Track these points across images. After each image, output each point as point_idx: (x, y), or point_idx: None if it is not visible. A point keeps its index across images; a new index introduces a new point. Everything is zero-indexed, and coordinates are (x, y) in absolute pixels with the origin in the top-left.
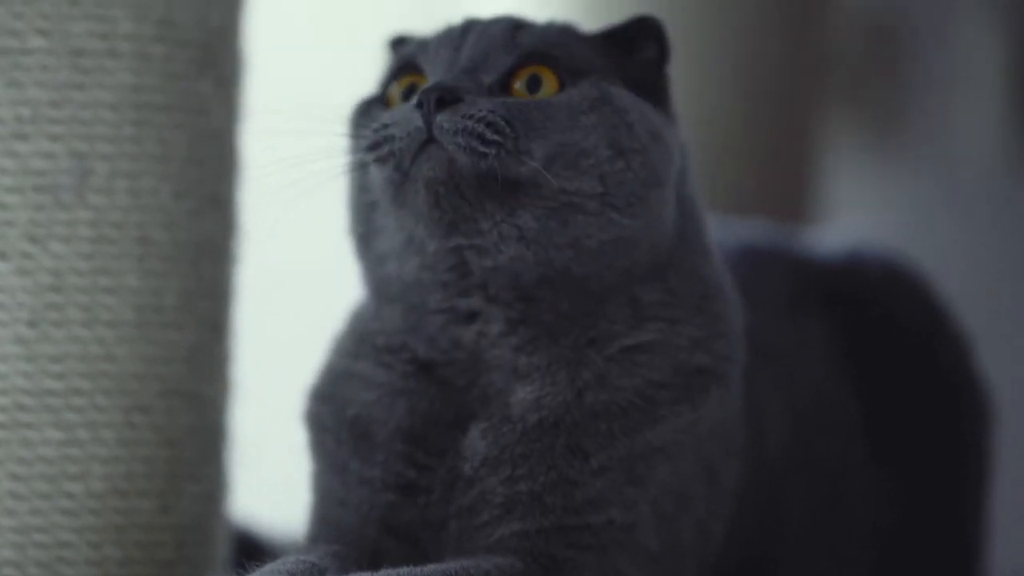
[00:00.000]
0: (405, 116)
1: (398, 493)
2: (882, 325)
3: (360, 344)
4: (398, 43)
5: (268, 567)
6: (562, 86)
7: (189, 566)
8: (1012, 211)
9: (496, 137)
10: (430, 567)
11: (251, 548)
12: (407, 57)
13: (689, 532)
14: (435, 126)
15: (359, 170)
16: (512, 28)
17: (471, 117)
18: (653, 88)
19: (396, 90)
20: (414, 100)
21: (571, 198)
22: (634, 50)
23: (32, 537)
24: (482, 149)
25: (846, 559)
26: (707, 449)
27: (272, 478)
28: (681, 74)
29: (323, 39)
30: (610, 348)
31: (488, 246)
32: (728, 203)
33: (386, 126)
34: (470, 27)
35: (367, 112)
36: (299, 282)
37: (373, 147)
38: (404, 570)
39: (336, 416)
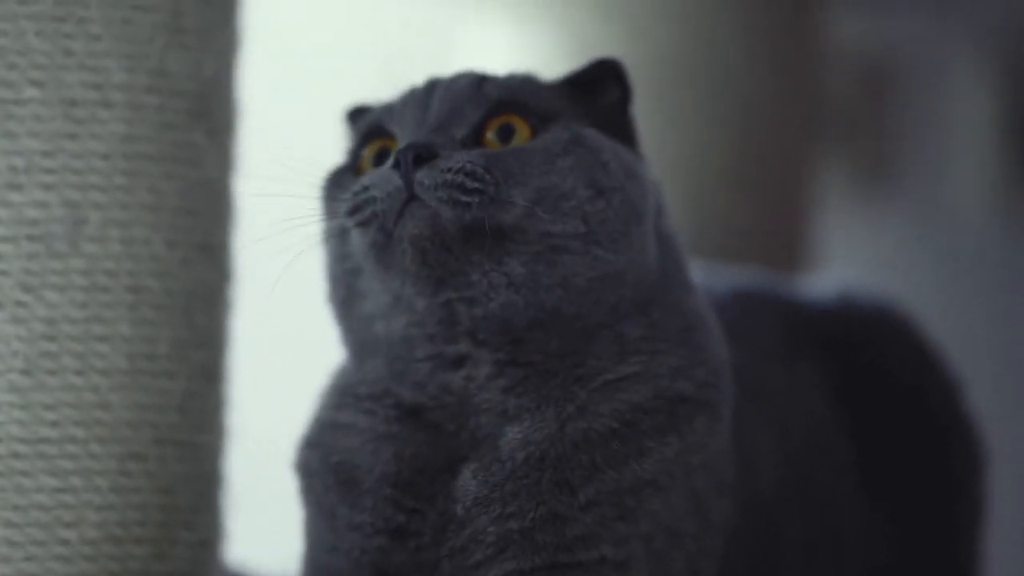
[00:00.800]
0: (383, 177)
1: (388, 538)
2: (874, 368)
3: (343, 396)
4: (356, 114)
5: None
6: (534, 132)
7: None
8: (1003, 259)
9: (477, 185)
10: None
11: None
12: (374, 122)
13: (681, 570)
14: (415, 183)
15: (338, 238)
16: (477, 81)
17: (450, 170)
18: (619, 129)
19: (367, 156)
20: (390, 161)
21: (556, 240)
22: (597, 93)
23: None
24: (464, 199)
25: None
26: (697, 484)
27: (267, 524)
28: (671, 120)
29: (317, 87)
30: (594, 383)
31: (478, 296)
32: (719, 249)
33: (366, 188)
34: (434, 85)
35: (339, 182)
36: (294, 329)
37: (353, 211)
38: None
39: (323, 462)
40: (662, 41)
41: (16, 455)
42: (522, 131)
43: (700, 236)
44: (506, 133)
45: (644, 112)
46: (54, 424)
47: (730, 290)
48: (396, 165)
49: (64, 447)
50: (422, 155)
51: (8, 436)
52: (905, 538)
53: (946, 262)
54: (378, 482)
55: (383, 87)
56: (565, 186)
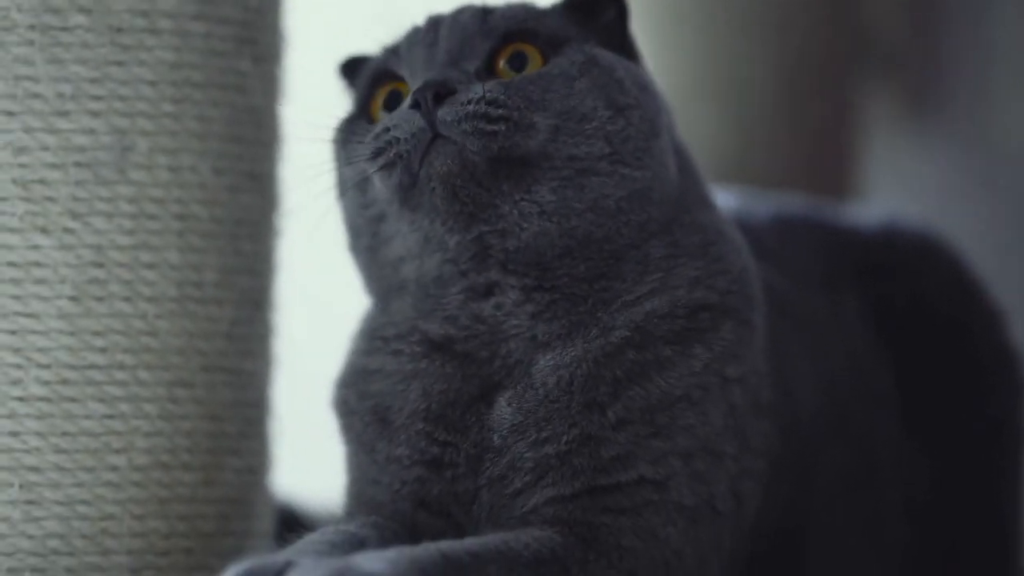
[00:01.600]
0: (404, 119)
1: (424, 468)
2: (916, 298)
3: (371, 340)
4: (350, 65)
5: (309, 538)
6: (545, 58)
7: (232, 538)
8: None
9: (501, 112)
10: (469, 540)
11: (292, 521)
12: (380, 67)
13: (723, 492)
14: (438, 121)
15: (357, 187)
16: (481, 14)
17: (471, 102)
18: (621, 45)
19: (378, 100)
20: (408, 102)
21: (582, 163)
22: (595, 13)
23: (77, 510)
24: (490, 128)
25: (878, 532)
26: (735, 399)
27: (313, 451)
28: (715, 52)
29: (363, 18)
30: (615, 304)
31: (510, 227)
32: (764, 178)
33: (387, 130)
34: (438, 22)
35: (352, 130)
36: (341, 256)
37: (376, 155)
38: (444, 544)
39: (360, 401)
40: None
41: (65, 381)
42: (534, 58)
43: (746, 166)
44: (519, 62)
45: (689, 44)
46: (103, 351)
47: (770, 215)
48: (415, 106)
49: (113, 373)
50: (441, 92)
51: (57, 362)
52: (946, 470)
53: (991, 191)
54: (409, 418)
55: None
56: (585, 107)
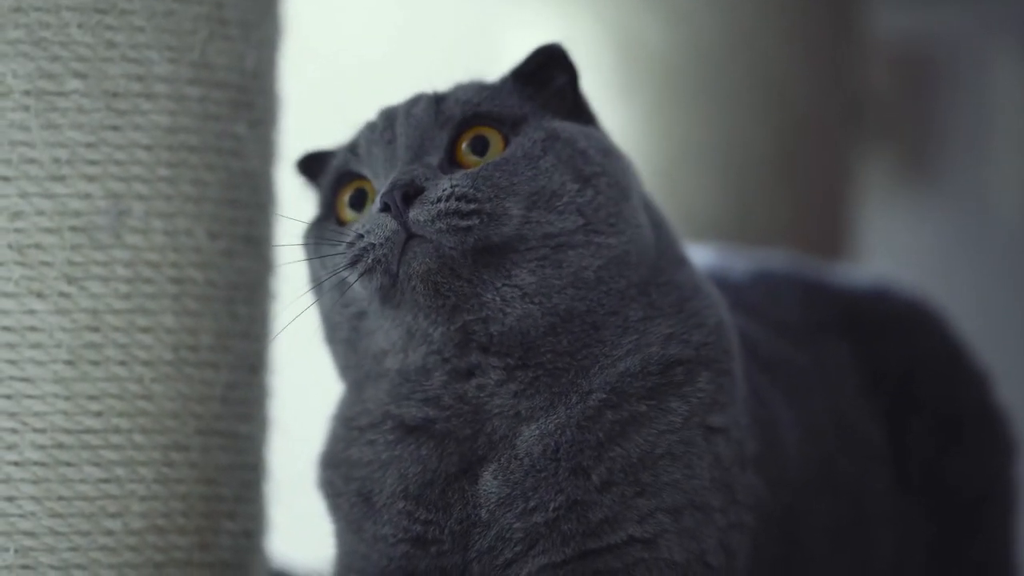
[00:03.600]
0: (376, 223)
1: (410, 546)
2: (905, 360)
3: (348, 430)
4: (308, 161)
5: None
6: (505, 138)
7: None
8: None
9: (472, 206)
10: None
11: None
12: (341, 168)
13: (713, 546)
14: (411, 223)
15: (337, 287)
16: (434, 103)
17: (440, 199)
18: (576, 111)
19: (343, 201)
20: (377, 204)
21: (557, 239)
22: (545, 81)
23: (71, 574)
24: (464, 223)
25: None
26: (718, 450)
27: (310, 514)
28: (713, 112)
29: (358, 80)
30: (593, 368)
31: (494, 313)
32: (760, 239)
33: (361, 236)
34: (392, 117)
35: (321, 233)
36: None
37: (354, 262)
38: None
39: (346, 484)
40: (704, 33)
41: (61, 446)
42: (494, 139)
43: (742, 228)
44: (480, 145)
45: (688, 104)
46: (98, 415)
47: (751, 270)
48: (385, 208)
49: (108, 437)
50: (409, 192)
51: (53, 427)
52: (937, 528)
53: (985, 254)
54: (390, 499)
55: (422, 82)
56: (553, 184)
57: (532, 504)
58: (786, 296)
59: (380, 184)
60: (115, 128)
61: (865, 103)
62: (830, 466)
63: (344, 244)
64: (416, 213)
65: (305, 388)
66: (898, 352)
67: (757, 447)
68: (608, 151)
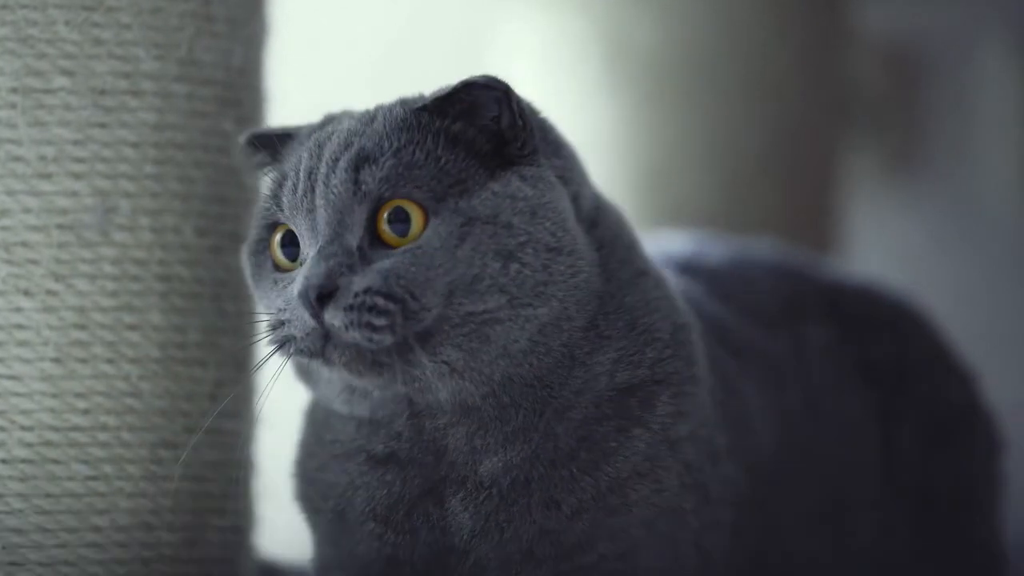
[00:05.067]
0: (295, 313)
1: (384, 564)
2: (892, 359)
3: (321, 451)
4: (257, 140)
5: None
6: (426, 212)
7: None
8: None
9: (385, 321)
10: None
11: None
12: (269, 216)
13: (688, 549)
14: (326, 324)
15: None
16: (353, 170)
17: (352, 308)
18: (512, 134)
19: (276, 242)
20: (296, 290)
21: (481, 317)
22: (474, 115)
23: (59, 570)
24: (380, 323)
25: (848, 572)
26: (686, 457)
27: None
28: (703, 107)
29: (344, 76)
30: (548, 409)
31: (427, 386)
32: (749, 234)
33: (281, 313)
34: (312, 178)
35: (258, 262)
36: None
37: (277, 345)
38: None
39: (322, 501)
40: (694, 30)
41: (48, 443)
42: (414, 213)
43: (731, 221)
44: (399, 216)
45: (677, 101)
46: (86, 412)
47: (728, 257)
48: (303, 297)
49: (96, 435)
50: (323, 293)
51: (40, 424)
52: (922, 521)
53: (971, 248)
54: (360, 518)
55: (411, 82)
56: (474, 269)
57: (507, 536)
58: (763, 283)
59: (304, 246)
60: (102, 125)
61: (853, 99)
62: (806, 451)
63: (267, 326)
64: (331, 317)
65: (291, 386)
66: (884, 349)
67: (727, 437)
68: (535, 210)
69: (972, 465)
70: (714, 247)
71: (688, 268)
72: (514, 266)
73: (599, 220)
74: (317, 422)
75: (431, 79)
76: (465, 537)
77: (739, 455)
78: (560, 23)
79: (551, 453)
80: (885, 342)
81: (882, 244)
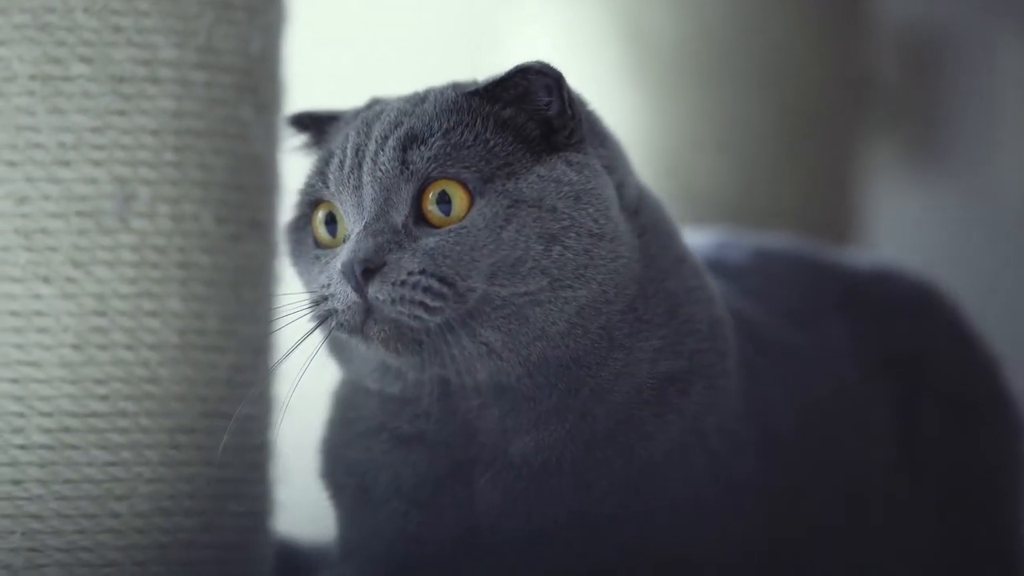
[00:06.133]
0: (339, 287)
1: (408, 542)
2: (914, 345)
3: (346, 431)
4: (302, 119)
5: None
6: (471, 193)
7: None
8: None
9: (439, 303)
10: None
11: (294, 563)
12: (313, 193)
13: (711, 537)
14: (370, 299)
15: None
16: (401, 150)
17: (404, 284)
18: (562, 122)
19: (317, 219)
20: (338, 268)
21: (522, 298)
22: (526, 101)
23: (79, 556)
24: (428, 318)
25: (869, 566)
26: (713, 446)
27: (315, 495)
28: (721, 97)
29: (362, 65)
30: (583, 390)
31: (464, 367)
32: (767, 223)
33: (325, 298)
34: (360, 155)
35: (299, 238)
36: None
37: (318, 320)
38: None
39: (347, 478)
40: (711, 19)
41: (67, 429)
42: (459, 196)
43: (749, 210)
44: (444, 199)
45: (695, 90)
46: (104, 398)
47: (751, 252)
48: (347, 270)
49: (114, 421)
50: (369, 267)
51: (59, 410)
52: (944, 508)
53: (992, 237)
54: (384, 497)
55: (428, 70)
56: (517, 251)
57: (534, 516)
58: (787, 278)
59: (349, 222)
60: (121, 113)
61: (872, 88)
62: (829, 446)
63: (311, 301)
64: (375, 291)
65: (310, 370)
66: (907, 335)
67: (752, 431)
68: (579, 195)
69: (996, 451)
70: (738, 243)
71: (712, 267)
72: (556, 249)
73: (641, 208)
74: (343, 400)
75: (449, 67)
76: (492, 517)
77: (763, 448)
78: (579, 12)
79: (587, 434)
80: (907, 328)
81: (901, 233)
